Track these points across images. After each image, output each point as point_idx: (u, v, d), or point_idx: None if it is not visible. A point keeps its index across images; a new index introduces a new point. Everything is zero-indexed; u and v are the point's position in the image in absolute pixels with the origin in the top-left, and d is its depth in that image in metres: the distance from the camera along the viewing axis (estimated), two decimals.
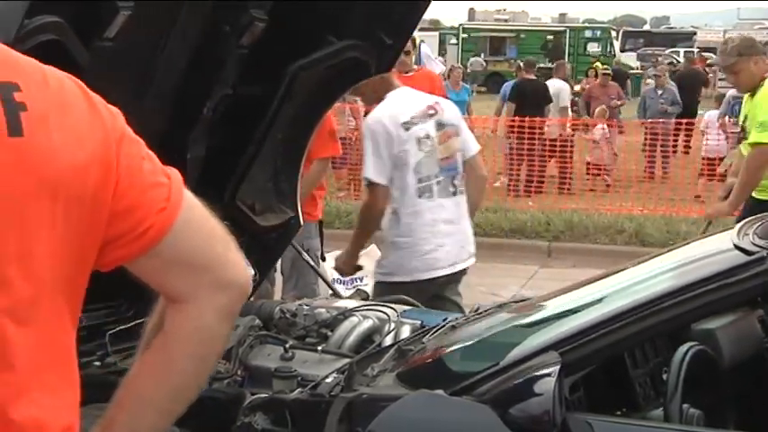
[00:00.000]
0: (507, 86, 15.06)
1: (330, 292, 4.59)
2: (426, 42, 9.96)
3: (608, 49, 28.38)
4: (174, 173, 1.38)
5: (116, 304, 2.91)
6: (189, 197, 1.37)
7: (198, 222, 1.37)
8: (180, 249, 1.34)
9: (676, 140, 13.94)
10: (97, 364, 2.83)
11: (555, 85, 14.59)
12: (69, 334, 1.32)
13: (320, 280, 5.09)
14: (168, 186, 1.34)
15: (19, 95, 1.20)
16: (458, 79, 15.19)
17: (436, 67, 13.80)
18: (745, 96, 5.90)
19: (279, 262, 4.98)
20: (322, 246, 5.28)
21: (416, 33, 7.03)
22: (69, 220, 1.25)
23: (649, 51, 25.69)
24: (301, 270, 5.19)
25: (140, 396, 1.39)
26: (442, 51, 25.78)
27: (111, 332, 2.96)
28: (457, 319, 3.00)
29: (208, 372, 1.45)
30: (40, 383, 1.28)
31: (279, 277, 5.23)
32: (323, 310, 3.19)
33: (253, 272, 3.46)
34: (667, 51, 30.39)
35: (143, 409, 1.39)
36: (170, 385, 1.39)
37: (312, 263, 4.75)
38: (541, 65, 25.72)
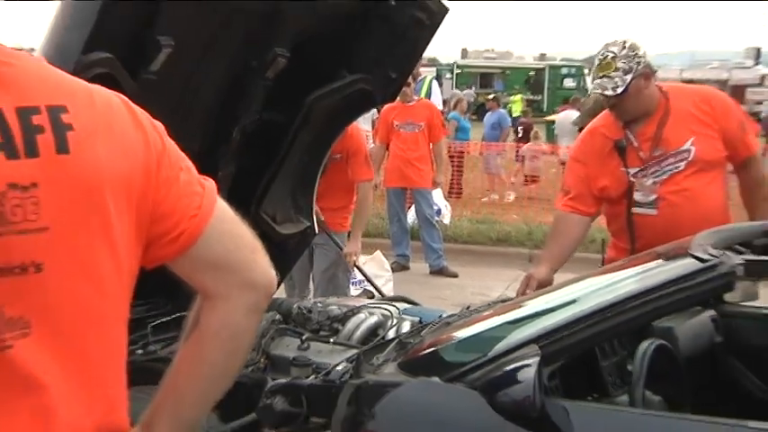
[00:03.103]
0: (489, 116, 15.28)
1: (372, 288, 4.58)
2: (426, 78, 9.99)
3: (581, 84, 28.38)
4: (209, 183, 1.37)
5: (156, 300, 2.92)
6: (221, 206, 1.35)
7: (228, 228, 1.36)
8: (212, 252, 1.33)
9: None
10: (140, 352, 2.84)
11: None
12: (124, 328, 1.31)
13: (351, 284, 5.10)
14: (201, 195, 1.33)
15: (66, 117, 1.19)
16: (464, 109, 15.26)
17: (439, 99, 13.90)
18: None
19: (311, 272, 5.01)
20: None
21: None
22: (121, 221, 1.24)
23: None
24: (335, 278, 5.10)
25: (180, 386, 1.39)
26: (438, 84, 25.76)
27: (152, 324, 2.98)
28: (451, 316, 2.99)
29: (239, 364, 1.43)
30: (110, 371, 1.29)
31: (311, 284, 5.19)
32: (334, 307, 3.19)
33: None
34: None
35: (183, 398, 1.39)
36: (204, 376, 1.38)
37: (365, 273, 4.76)
38: (526, 97, 25.73)
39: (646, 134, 3.37)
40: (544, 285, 3.34)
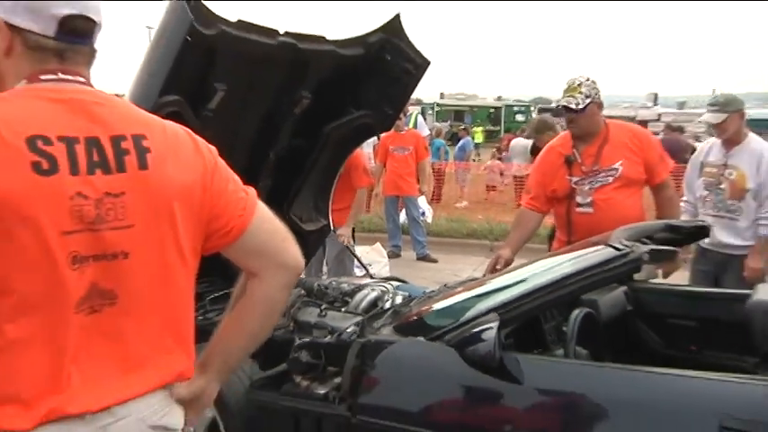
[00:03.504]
0: (462, 142, 15.28)
1: (363, 270, 4.55)
2: (413, 113, 9.97)
3: (528, 118, 28.31)
4: (251, 190, 1.37)
5: (213, 279, 2.92)
6: (261, 207, 1.35)
7: (267, 224, 1.35)
8: (255, 241, 1.32)
9: None
10: (200, 318, 2.83)
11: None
12: (190, 294, 1.32)
13: (354, 267, 5.06)
14: (245, 200, 1.33)
15: (145, 142, 1.20)
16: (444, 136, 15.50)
17: (426, 130, 13.87)
18: None
19: (325, 259, 4.98)
20: (354, 241, 5.23)
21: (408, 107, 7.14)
22: (187, 221, 1.25)
23: (559, 123, 25.62)
24: (342, 262, 5.06)
25: (228, 339, 1.39)
26: (423, 118, 25.78)
27: (209, 297, 2.98)
28: (432, 291, 2.98)
29: (272, 326, 1.42)
30: (178, 331, 1.29)
31: (324, 267, 5.18)
32: (345, 284, 3.17)
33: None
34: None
35: (229, 348, 1.40)
36: (246, 332, 1.38)
37: (353, 251, 4.73)
38: (487, 128, 25.57)
39: (588, 152, 3.38)
40: (508, 263, 3.37)
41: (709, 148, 3.94)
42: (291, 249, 1.36)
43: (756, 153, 3.75)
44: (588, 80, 3.36)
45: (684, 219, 3.90)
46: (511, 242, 3.57)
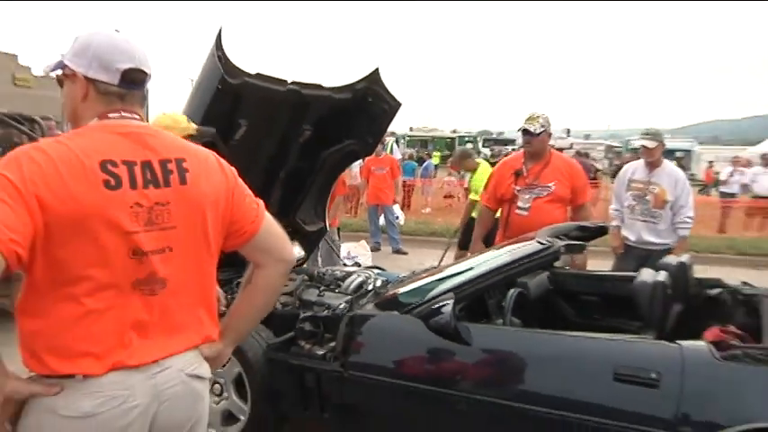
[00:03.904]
0: (425, 163, 15.25)
1: (342, 263, 4.54)
2: (389, 142, 9.98)
3: (475, 147, 28.52)
4: (261, 202, 1.36)
5: (238, 268, 2.89)
6: (268, 216, 1.35)
7: (272, 229, 1.34)
8: (262, 242, 1.32)
9: None
10: (230, 297, 2.79)
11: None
12: (214, 278, 1.31)
13: (341, 259, 5.04)
14: (257, 210, 1.32)
15: (185, 164, 1.21)
16: (413, 159, 15.40)
17: (399, 155, 13.83)
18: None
19: (319, 253, 4.97)
20: (339, 239, 5.21)
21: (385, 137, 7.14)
22: (215, 225, 1.25)
23: (495, 148, 25.71)
24: (331, 256, 5.04)
25: (240, 313, 1.38)
26: (397, 146, 25.75)
27: (236, 282, 2.94)
28: (404, 277, 2.98)
29: (273, 302, 1.40)
30: (207, 305, 1.29)
31: (319, 259, 5.16)
32: (338, 272, 3.17)
33: (303, 253, 3.46)
34: (507, 148, 30.40)
35: (241, 319, 1.38)
36: (254, 309, 1.37)
37: (335, 249, 4.70)
38: (443, 153, 25.58)
39: (533, 170, 3.42)
40: (478, 249, 3.46)
41: (634, 169, 3.94)
42: (288, 248, 1.36)
43: (674, 174, 3.82)
44: (544, 115, 3.43)
45: (615, 224, 3.96)
46: (477, 238, 3.66)
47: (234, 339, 1.38)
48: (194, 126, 2.19)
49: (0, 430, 1.13)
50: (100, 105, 1.18)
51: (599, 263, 3.88)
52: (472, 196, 5.49)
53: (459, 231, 5.52)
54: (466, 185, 6.55)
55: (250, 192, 1.35)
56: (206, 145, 1.40)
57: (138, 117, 1.21)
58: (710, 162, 17.77)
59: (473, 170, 5.77)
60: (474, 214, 5.04)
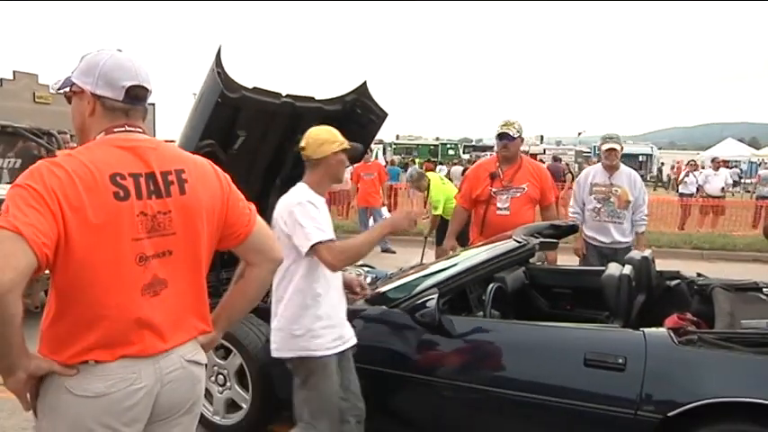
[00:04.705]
0: (410, 169, 15.24)
1: None
2: (377, 149, 10.01)
3: (457, 153, 28.48)
4: (253, 207, 1.36)
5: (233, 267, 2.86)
6: (259, 219, 1.35)
7: (263, 231, 1.35)
8: (254, 243, 1.32)
9: None
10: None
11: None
12: (204, 278, 1.32)
13: None
14: (249, 214, 1.33)
15: (184, 174, 1.22)
16: (395, 164, 15.37)
17: (382, 161, 13.85)
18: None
19: None
20: None
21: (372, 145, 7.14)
22: (211, 229, 1.26)
23: (475, 154, 25.77)
24: None
25: (232, 305, 1.39)
26: (384, 153, 25.76)
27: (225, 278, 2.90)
28: (392, 273, 2.97)
29: (261, 296, 1.41)
30: (201, 301, 1.30)
31: None
32: None
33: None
34: (485, 154, 30.31)
35: (233, 309, 1.39)
36: (246, 301, 1.38)
37: None
38: (429, 160, 25.60)
39: (507, 173, 3.44)
40: (454, 249, 3.47)
41: (593, 174, 3.90)
42: (277, 248, 1.38)
43: (632, 176, 3.84)
44: (518, 121, 3.47)
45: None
46: (451, 234, 3.67)
47: (224, 327, 1.39)
48: (347, 142, 2.09)
49: (23, 403, 1.17)
50: (106, 120, 1.20)
51: (567, 258, 3.92)
52: (434, 212, 5.65)
53: (432, 230, 5.71)
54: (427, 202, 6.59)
55: (243, 197, 1.36)
56: (207, 156, 1.41)
57: (140, 130, 1.23)
58: (678, 162, 20.12)
59: (426, 188, 5.87)
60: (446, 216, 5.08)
